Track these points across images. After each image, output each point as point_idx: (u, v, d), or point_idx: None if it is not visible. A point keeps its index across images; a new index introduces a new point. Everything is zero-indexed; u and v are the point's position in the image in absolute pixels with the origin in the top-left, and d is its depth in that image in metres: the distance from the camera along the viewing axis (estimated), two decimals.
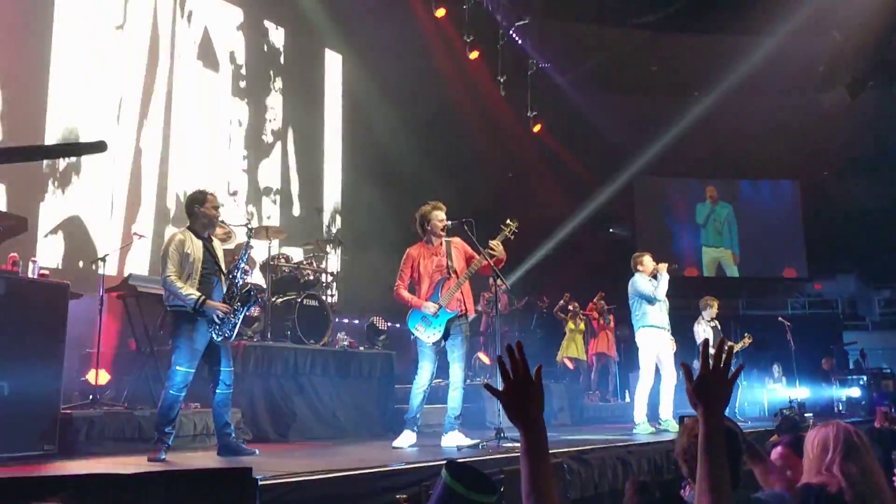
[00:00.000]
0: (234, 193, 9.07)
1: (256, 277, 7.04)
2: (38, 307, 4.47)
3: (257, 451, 4.64)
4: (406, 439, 5.06)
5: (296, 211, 10.46)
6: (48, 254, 6.98)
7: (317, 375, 6.58)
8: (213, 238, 4.91)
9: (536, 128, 14.05)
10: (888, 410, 6.49)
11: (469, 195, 10.25)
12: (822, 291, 18.40)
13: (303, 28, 10.69)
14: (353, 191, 11.36)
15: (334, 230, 10.45)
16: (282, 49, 10.59)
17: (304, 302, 6.93)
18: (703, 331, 8.65)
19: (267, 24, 10.37)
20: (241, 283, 4.79)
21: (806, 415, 8.94)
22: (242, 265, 4.81)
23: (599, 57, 14.27)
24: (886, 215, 15.98)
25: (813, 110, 15.15)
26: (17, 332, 4.29)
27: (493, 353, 9.12)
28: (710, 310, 8.78)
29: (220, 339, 4.58)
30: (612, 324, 10.90)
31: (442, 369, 5.44)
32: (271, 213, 9.78)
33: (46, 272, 4.96)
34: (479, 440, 5.00)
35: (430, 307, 5.10)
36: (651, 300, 7.04)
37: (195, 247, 4.64)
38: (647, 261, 7.23)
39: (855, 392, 13.12)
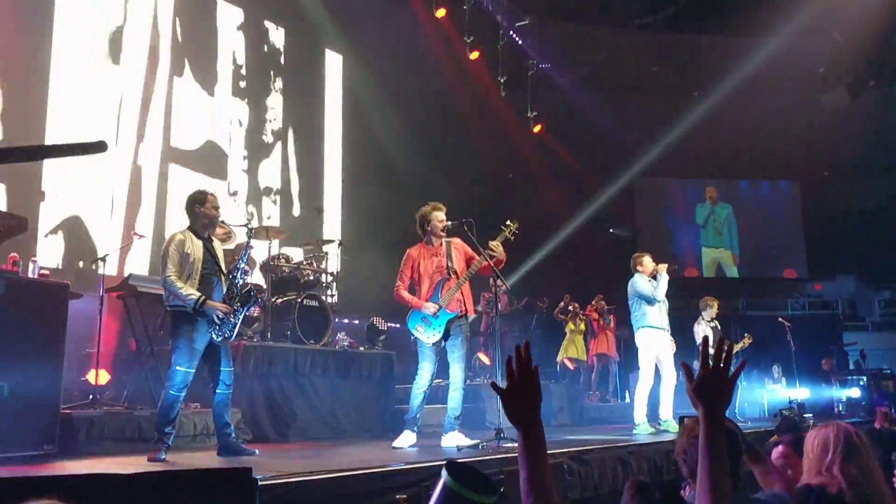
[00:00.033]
0: (234, 193, 9.07)
1: (256, 277, 7.04)
2: (38, 307, 4.46)
3: (257, 451, 4.64)
4: (406, 439, 5.07)
5: (296, 211, 10.46)
6: (48, 254, 6.98)
7: (317, 376, 6.58)
8: (214, 238, 4.92)
9: (536, 128, 14.06)
10: (888, 411, 6.49)
11: (469, 195, 10.25)
12: (822, 292, 18.38)
13: (303, 28, 10.70)
14: (353, 191, 11.36)
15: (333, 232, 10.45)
16: (282, 49, 10.59)
17: (304, 302, 6.93)
18: (703, 331, 8.66)
19: (267, 24, 10.37)
20: (241, 283, 4.79)
21: (805, 415, 8.94)
22: (242, 265, 4.81)
23: (599, 57, 14.27)
24: (886, 215, 15.98)
25: (813, 110, 15.13)
26: (17, 332, 4.29)
27: (494, 353, 9.12)
28: (710, 310, 8.79)
29: (219, 339, 4.58)
30: (612, 324, 10.90)
31: (442, 370, 5.44)
32: (271, 213, 9.78)
33: (46, 272, 4.97)
34: (478, 440, 5.00)
35: (429, 308, 5.11)
36: (650, 301, 7.04)
37: (195, 247, 4.64)
38: (647, 261, 7.23)
39: (855, 393, 13.10)
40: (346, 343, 7.38)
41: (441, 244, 5.32)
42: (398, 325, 7.92)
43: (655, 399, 7.11)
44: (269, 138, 10.21)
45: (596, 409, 10.00)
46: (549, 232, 13.34)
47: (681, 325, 8.40)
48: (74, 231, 7.45)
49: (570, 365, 10.67)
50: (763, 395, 11.98)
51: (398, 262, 5.38)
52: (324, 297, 7.46)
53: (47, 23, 7.48)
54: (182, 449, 4.88)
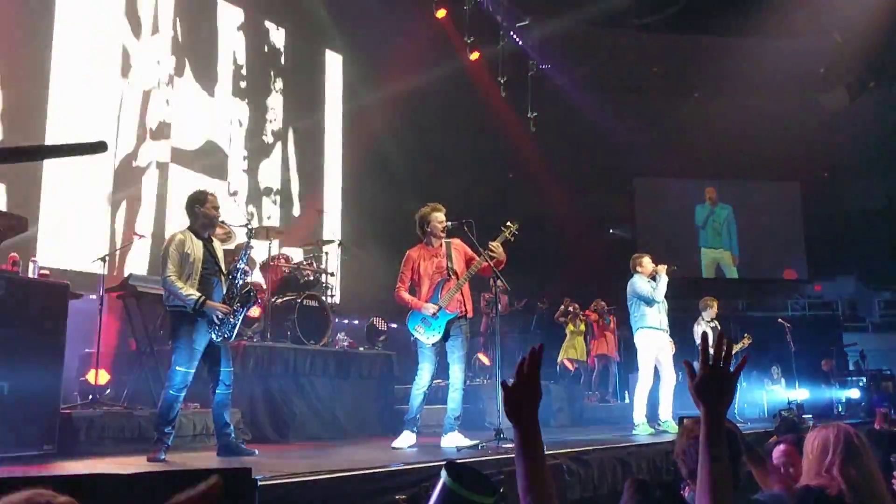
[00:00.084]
0: (234, 193, 9.07)
1: (256, 278, 7.04)
2: (38, 307, 4.47)
3: (257, 452, 4.65)
4: (406, 440, 5.07)
5: (296, 211, 10.46)
6: (48, 254, 6.97)
7: (317, 376, 6.58)
8: (214, 238, 4.92)
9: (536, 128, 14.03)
10: (888, 412, 6.48)
11: (469, 195, 10.26)
12: (822, 293, 18.36)
13: (303, 28, 10.70)
14: (353, 191, 11.36)
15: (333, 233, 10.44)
16: (282, 49, 10.59)
17: (304, 302, 6.93)
18: (703, 331, 8.64)
19: (267, 24, 10.38)
20: (240, 283, 4.79)
21: (805, 416, 8.94)
22: (242, 266, 4.81)
23: (599, 57, 14.27)
24: (886, 216, 15.97)
25: (813, 110, 15.13)
26: (17, 332, 4.30)
27: (493, 353, 9.12)
28: (710, 310, 8.78)
29: (219, 339, 4.58)
30: (612, 325, 10.89)
31: (442, 370, 5.45)
32: (271, 213, 9.78)
33: (46, 272, 4.97)
34: (478, 441, 5.00)
35: (429, 308, 5.11)
36: (649, 301, 7.04)
37: (195, 247, 4.64)
38: (647, 262, 7.22)
39: (854, 393, 13.10)
40: (346, 343, 7.38)
41: (441, 245, 5.32)
42: (398, 326, 7.92)
43: (655, 400, 7.11)
44: (269, 138, 10.21)
45: (595, 410, 9.99)
46: (549, 232, 13.34)
47: (681, 326, 8.39)
48: (74, 231, 7.45)
49: (570, 366, 10.67)
50: (762, 395, 11.96)
51: (398, 262, 5.38)
52: (324, 298, 7.46)
53: (48, 23, 7.48)
54: (182, 449, 4.88)
